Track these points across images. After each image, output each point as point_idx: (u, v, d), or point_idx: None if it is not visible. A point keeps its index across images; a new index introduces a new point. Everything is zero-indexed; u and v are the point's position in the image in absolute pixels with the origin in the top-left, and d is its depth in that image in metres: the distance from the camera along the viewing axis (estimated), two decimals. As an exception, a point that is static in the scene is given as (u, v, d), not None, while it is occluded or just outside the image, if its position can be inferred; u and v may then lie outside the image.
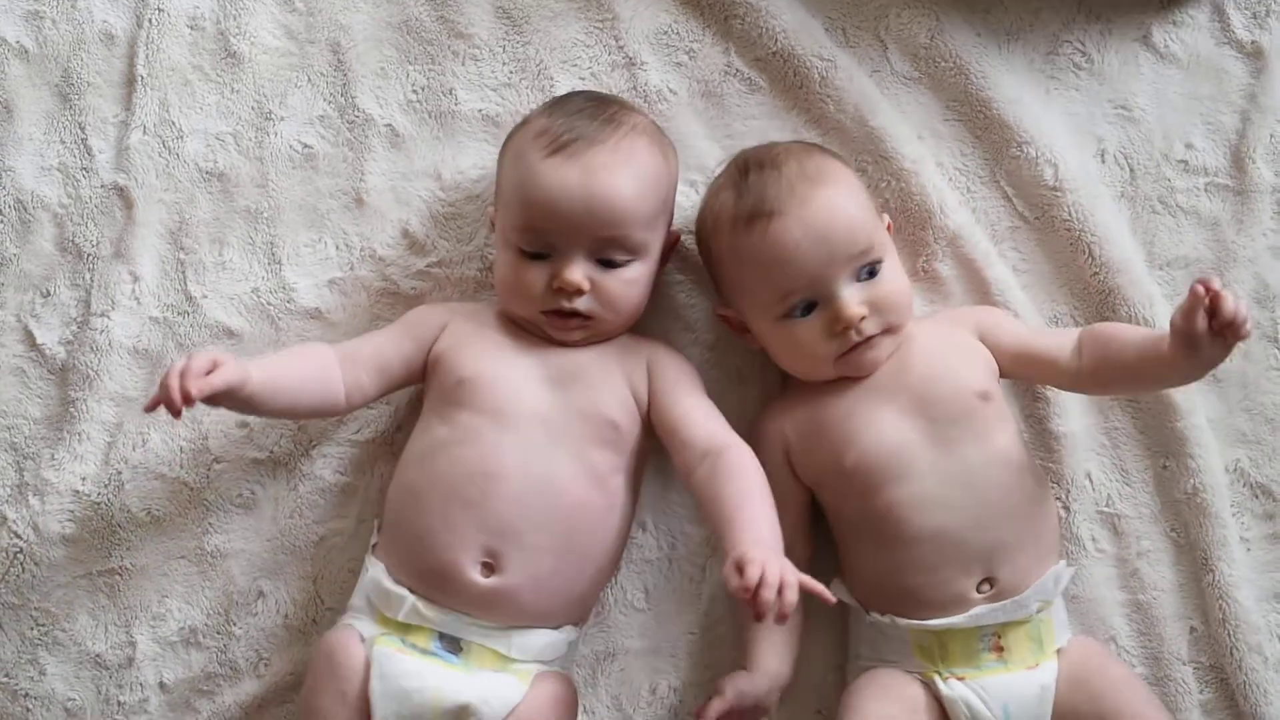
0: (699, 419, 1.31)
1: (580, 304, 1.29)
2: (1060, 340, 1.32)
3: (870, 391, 1.31)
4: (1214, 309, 1.14)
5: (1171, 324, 1.18)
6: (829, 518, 1.35)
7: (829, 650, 1.38)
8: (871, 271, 1.29)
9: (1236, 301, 1.14)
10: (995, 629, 1.27)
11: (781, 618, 1.11)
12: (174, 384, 1.16)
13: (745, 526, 1.19)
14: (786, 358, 1.34)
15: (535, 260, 1.29)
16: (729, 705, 1.26)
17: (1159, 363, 1.22)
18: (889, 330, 1.30)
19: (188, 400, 1.16)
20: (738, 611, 1.35)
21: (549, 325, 1.31)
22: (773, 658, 1.31)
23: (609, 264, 1.30)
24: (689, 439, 1.29)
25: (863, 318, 1.27)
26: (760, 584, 1.10)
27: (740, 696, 1.27)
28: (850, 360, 1.30)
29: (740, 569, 1.12)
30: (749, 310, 1.33)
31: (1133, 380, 1.30)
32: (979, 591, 1.27)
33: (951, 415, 1.29)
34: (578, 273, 1.28)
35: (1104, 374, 1.29)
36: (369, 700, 1.23)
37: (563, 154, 1.28)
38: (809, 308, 1.29)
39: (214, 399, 1.20)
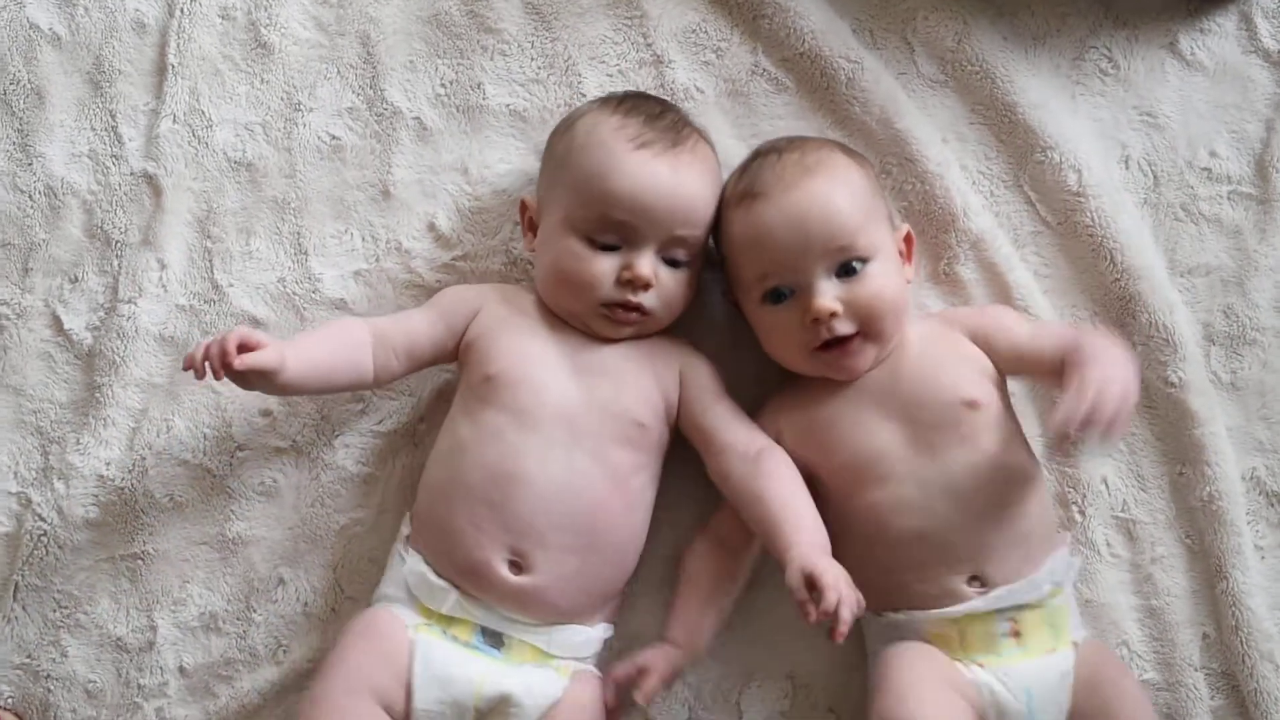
0: (734, 424, 1.33)
1: (644, 298, 1.30)
2: (1049, 353, 1.29)
3: (859, 395, 1.32)
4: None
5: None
6: (825, 514, 1.33)
7: (841, 649, 1.37)
8: (851, 269, 1.29)
9: (1070, 418, 1.16)
10: (1011, 614, 1.27)
11: (838, 634, 1.15)
12: (214, 352, 1.21)
13: (797, 527, 1.23)
14: (766, 343, 1.35)
15: (604, 251, 1.30)
16: (659, 683, 1.30)
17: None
18: (870, 336, 1.30)
19: (226, 370, 1.21)
20: (676, 578, 1.37)
21: (603, 318, 1.32)
22: (702, 635, 1.34)
23: (670, 263, 1.32)
24: (728, 443, 1.31)
25: (833, 314, 1.27)
26: (838, 605, 1.15)
27: (669, 674, 1.32)
28: (828, 361, 1.31)
29: (812, 585, 1.16)
30: (739, 292, 1.35)
31: None
32: (969, 585, 1.27)
33: (936, 422, 1.29)
34: (649, 266, 1.30)
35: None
36: (408, 681, 1.23)
37: (650, 150, 1.30)
38: (786, 295, 1.30)
39: (246, 379, 1.23)
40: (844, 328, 1.28)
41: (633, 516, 1.32)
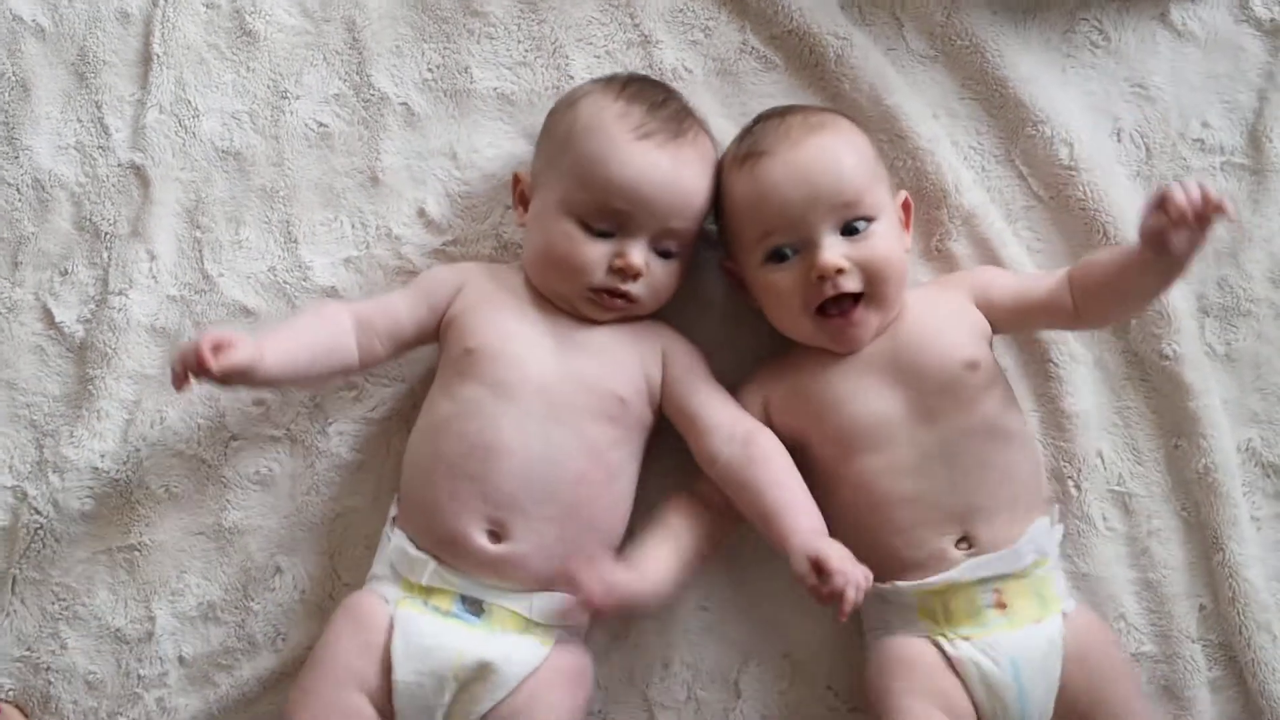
0: (718, 405, 1.33)
1: (633, 287, 1.31)
2: (1052, 283, 1.32)
3: (857, 362, 1.32)
4: (1171, 211, 1.15)
5: (1139, 230, 1.19)
6: (811, 481, 1.33)
7: (839, 628, 1.38)
8: (856, 228, 1.29)
9: (1189, 190, 1.15)
10: (995, 584, 1.27)
11: (844, 614, 1.19)
12: (189, 360, 1.22)
13: (795, 514, 1.25)
14: (766, 306, 1.35)
15: (598, 237, 1.31)
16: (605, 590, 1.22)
17: (1137, 268, 1.22)
18: (874, 299, 1.30)
19: (204, 373, 1.21)
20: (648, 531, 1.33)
21: (590, 302, 1.33)
22: (661, 574, 1.28)
23: (662, 253, 1.33)
24: (712, 425, 1.32)
25: (840, 270, 1.27)
26: (845, 586, 1.18)
27: (615, 586, 1.23)
28: (831, 332, 1.30)
29: (819, 569, 1.19)
30: (740, 257, 1.34)
31: (1120, 297, 1.28)
32: (958, 548, 1.27)
33: (936, 386, 1.29)
34: (640, 256, 1.30)
35: (1096, 301, 1.28)
36: (388, 659, 1.25)
37: (652, 141, 1.30)
38: (790, 253, 1.29)
39: (227, 378, 1.23)
40: (850, 284, 1.28)
41: (614, 486, 1.32)
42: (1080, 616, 1.30)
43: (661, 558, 1.30)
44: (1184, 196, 1.15)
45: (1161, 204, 1.16)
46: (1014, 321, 1.36)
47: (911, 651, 1.28)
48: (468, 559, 1.27)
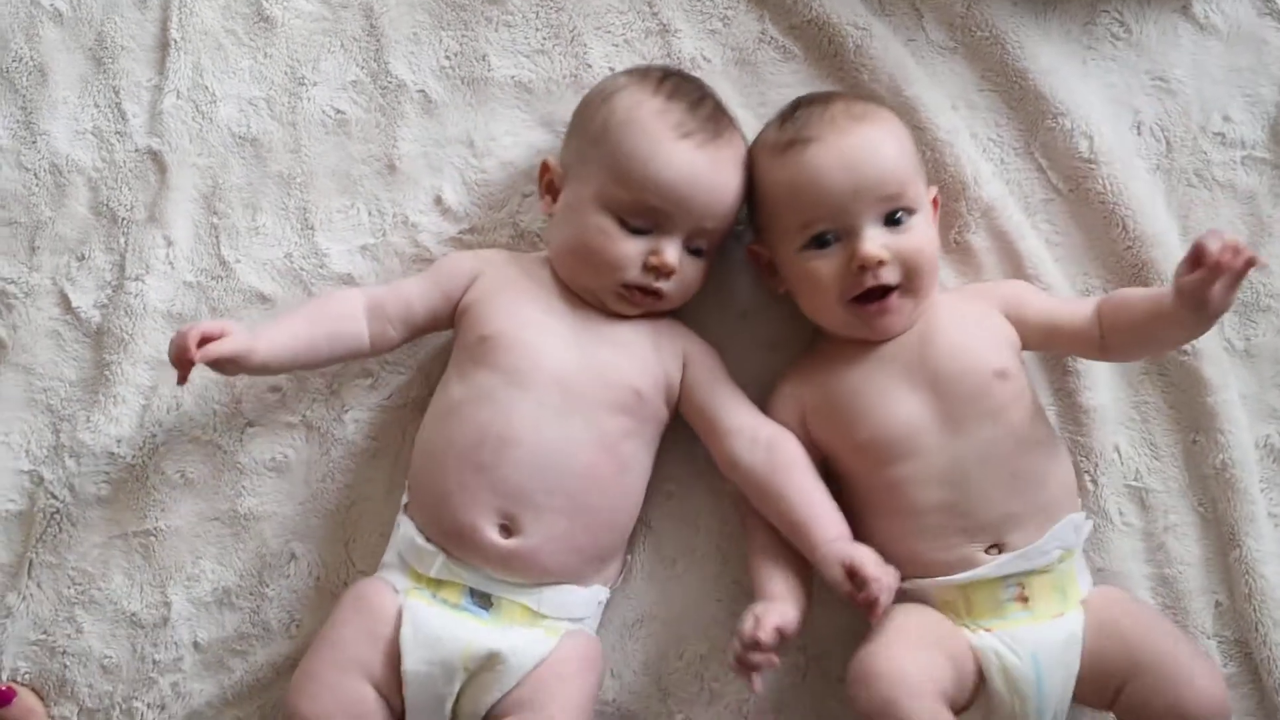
0: (740, 408, 1.34)
1: (664, 284, 1.31)
2: (1083, 312, 1.31)
3: (886, 365, 1.32)
4: (1206, 264, 1.14)
5: (1176, 286, 1.17)
6: (841, 484, 1.35)
7: (853, 620, 1.37)
8: (899, 220, 1.29)
9: (1222, 242, 1.13)
10: (1019, 579, 1.27)
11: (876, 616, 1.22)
12: (174, 352, 1.26)
13: (824, 523, 1.27)
14: (802, 294, 1.34)
15: (634, 234, 1.30)
16: (779, 628, 1.22)
17: (1169, 320, 1.21)
18: (909, 291, 1.30)
19: (188, 363, 1.25)
20: (749, 553, 1.35)
21: (619, 297, 1.33)
22: (793, 595, 1.28)
23: (693, 251, 1.33)
24: (733, 428, 1.32)
25: (881, 261, 1.27)
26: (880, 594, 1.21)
27: (784, 625, 1.23)
28: (865, 317, 1.30)
29: (852, 575, 1.21)
30: (775, 241, 1.34)
31: (1147, 342, 1.30)
32: (987, 554, 1.27)
33: (966, 394, 1.29)
34: (675, 255, 1.31)
35: (1122, 340, 1.29)
36: (395, 648, 1.25)
37: (692, 140, 1.30)
38: (831, 241, 1.29)
39: (222, 366, 1.27)
40: (890, 276, 1.28)
41: (625, 478, 1.32)
42: (1101, 597, 1.30)
43: (779, 579, 1.29)
44: (1219, 244, 1.13)
45: (1199, 257, 1.14)
46: (1041, 342, 1.36)
47: (920, 610, 1.27)
48: (477, 552, 1.27)
